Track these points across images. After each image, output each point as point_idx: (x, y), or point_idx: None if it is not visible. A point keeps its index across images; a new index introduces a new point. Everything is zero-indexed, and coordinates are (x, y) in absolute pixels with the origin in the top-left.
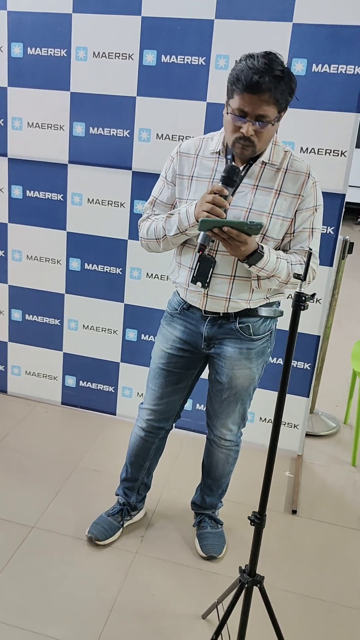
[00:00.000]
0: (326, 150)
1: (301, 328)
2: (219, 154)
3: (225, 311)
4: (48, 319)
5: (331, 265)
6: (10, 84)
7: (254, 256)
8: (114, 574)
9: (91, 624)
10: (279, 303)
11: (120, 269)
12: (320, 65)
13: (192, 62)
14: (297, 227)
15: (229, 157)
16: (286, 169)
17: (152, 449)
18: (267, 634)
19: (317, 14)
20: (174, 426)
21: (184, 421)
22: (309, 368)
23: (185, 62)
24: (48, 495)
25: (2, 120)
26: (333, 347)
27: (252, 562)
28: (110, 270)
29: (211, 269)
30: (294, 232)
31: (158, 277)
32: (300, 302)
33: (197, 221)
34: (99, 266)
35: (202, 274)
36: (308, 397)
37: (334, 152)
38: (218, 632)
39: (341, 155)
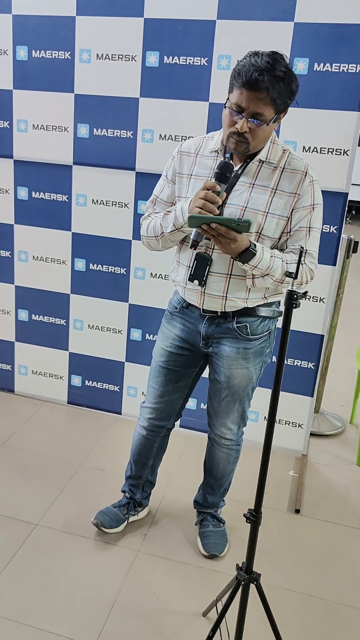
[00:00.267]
0: (329, 149)
1: (305, 327)
2: (218, 152)
3: (223, 310)
4: (54, 319)
5: (334, 264)
6: (15, 87)
7: (246, 254)
8: (116, 571)
9: (92, 621)
10: (279, 303)
11: (125, 269)
12: (322, 65)
13: (195, 63)
14: (293, 226)
15: (227, 155)
16: (283, 168)
17: (155, 448)
18: (265, 631)
19: (318, 13)
20: (175, 425)
21: (189, 420)
22: (312, 367)
23: (187, 63)
24: (52, 494)
25: (7, 122)
26: (339, 347)
27: (248, 560)
28: (114, 271)
29: (207, 267)
30: (290, 231)
31: (162, 277)
32: (292, 301)
33: None
34: (104, 266)
35: (199, 272)
36: (312, 396)
37: (336, 150)
38: (215, 629)
39: (344, 154)
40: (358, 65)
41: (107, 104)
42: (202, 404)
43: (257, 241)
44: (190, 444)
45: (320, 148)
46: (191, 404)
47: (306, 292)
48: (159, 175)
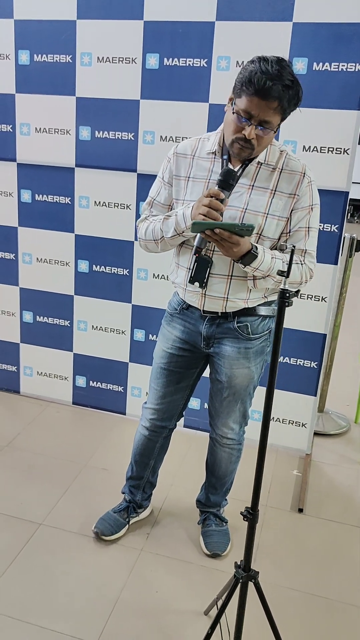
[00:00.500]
0: (329, 148)
1: (307, 326)
2: (215, 154)
3: (224, 310)
4: (58, 320)
5: (336, 263)
6: (18, 91)
7: (248, 257)
8: (119, 570)
9: (94, 619)
10: None
11: (127, 270)
12: (321, 64)
13: (194, 64)
14: (293, 227)
15: (225, 157)
16: (282, 169)
17: (157, 448)
18: (265, 629)
19: (316, 13)
20: (177, 425)
21: (192, 420)
22: (315, 367)
23: (187, 65)
24: (56, 493)
25: (10, 126)
26: (343, 346)
27: (246, 558)
28: (117, 272)
29: (208, 269)
30: (290, 232)
31: (164, 278)
32: (284, 299)
33: None
34: (107, 268)
35: (200, 274)
36: (315, 395)
37: (336, 150)
38: (213, 626)
39: (344, 153)
40: (357, 64)
41: (109, 107)
42: (205, 404)
43: (257, 242)
44: (194, 444)
45: (320, 147)
46: (195, 404)
47: (298, 291)
48: None
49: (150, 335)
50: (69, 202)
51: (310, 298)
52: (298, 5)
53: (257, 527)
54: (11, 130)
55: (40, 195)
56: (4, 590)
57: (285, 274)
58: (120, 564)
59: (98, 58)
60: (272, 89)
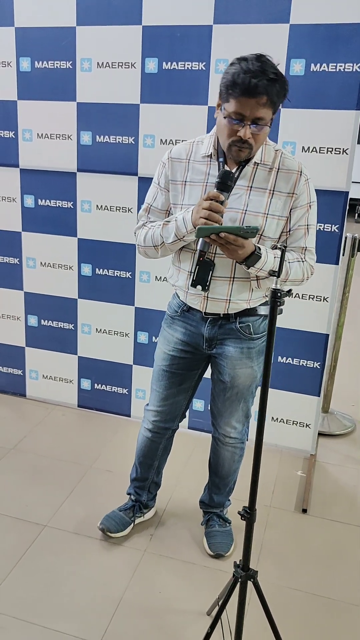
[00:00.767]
0: (328, 148)
1: (309, 327)
2: (211, 157)
3: (226, 312)
4: (62, 323)
5: (337, 263)
6: (19, 97)
7: (252, 258)
8: (122, 571)
9: (98, 619)
10: None
11: (130, 273)
12: (318, 65)
13: (193, 68)
14: (292, 225)
15: (221, 159)
16: (278, 168)
17: (160, 449)
18: (266, 628)
19: (313, 14)
20: (179, 426)
21: (196, 422)
22: (318, 367)
23: (185, 68)
24: (61, 495)
25: (13, 132)
26: (348, 346)
27: (245, 557)
28: (120, 275)
29: (210, 272)
30: (290, 230)
31: (167, 280)
32: (276, 299)
33: (195, 228)
34: (110, 271)
35: (202, 277)
36: (319, 396)
37: (335, 150)
38: (213, 626)
39: (343, 153)
40: (354, 64)
41: (109, 111)
42: (209, 406)
43: (258, 243)
44: (198, 445)
45: (320, 148)
46: (199, 405)
47: (290, 290)
48: None
49: (153, 338)
50: (72, 207)
51: (312, 298)
52: (295, 6)
53: (261, 527)
54: (14, 136)
55: (43, 200)
56: (8, 591)
57: (277, 273)
58: (123, 565)
59: (98, 63)
60: (258, 86)
